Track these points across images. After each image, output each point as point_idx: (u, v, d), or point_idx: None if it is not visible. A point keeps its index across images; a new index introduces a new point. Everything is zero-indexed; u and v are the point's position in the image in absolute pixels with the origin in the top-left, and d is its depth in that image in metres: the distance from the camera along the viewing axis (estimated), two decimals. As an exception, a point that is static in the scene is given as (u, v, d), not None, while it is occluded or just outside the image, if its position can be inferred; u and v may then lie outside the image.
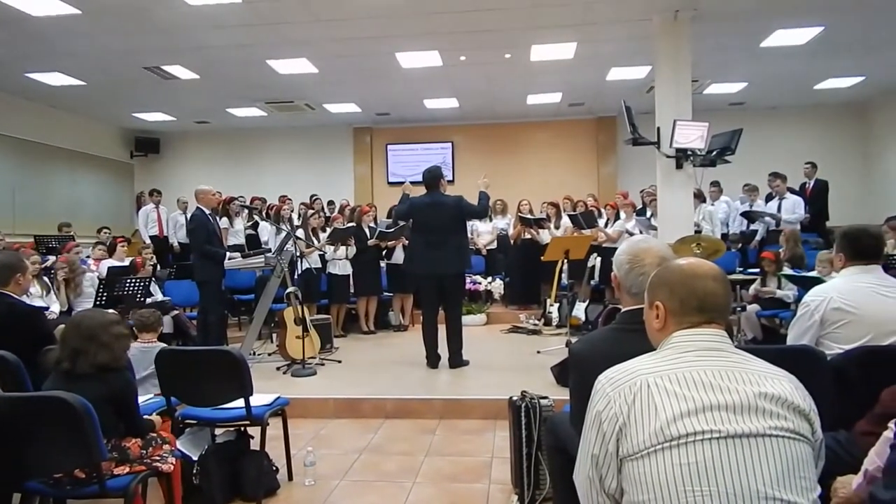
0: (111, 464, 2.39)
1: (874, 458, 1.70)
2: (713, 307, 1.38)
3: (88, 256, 6.96)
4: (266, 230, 8.34)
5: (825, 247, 6.96)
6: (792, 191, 8.76)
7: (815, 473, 1.28)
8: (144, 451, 2.51)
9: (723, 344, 1.36)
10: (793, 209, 8.35)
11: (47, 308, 5.43)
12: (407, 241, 7.53)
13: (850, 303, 2.57)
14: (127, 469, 2.42)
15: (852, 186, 10.75)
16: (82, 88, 9.15)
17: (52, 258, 6.86)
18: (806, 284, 4.30)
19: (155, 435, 2.62)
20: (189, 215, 7.74)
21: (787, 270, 6.00)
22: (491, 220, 9.49)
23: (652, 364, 1.33)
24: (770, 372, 1.32)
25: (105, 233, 8.70)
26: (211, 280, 5.90)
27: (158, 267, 8.10)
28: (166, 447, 2.61)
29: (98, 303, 5.61)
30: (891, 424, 1.68)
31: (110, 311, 5.61)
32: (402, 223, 7.29)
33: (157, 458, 2.53)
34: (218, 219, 7.49)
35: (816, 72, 9.30)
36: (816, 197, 9.02)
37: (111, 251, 6.97)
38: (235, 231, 8.26)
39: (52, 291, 5.75)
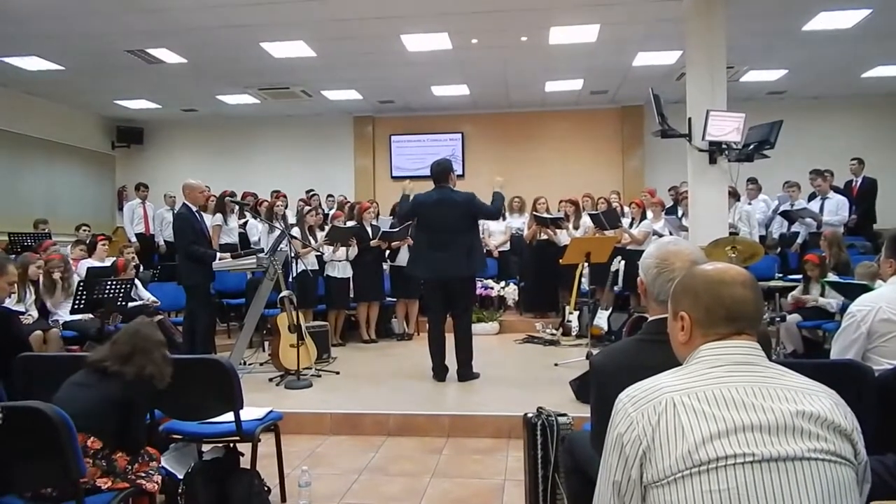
0: (97, 470, 2.46)
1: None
2: (743, 316, 1.38)
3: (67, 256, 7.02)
4: (256, 228, 8.37)
5: (873, 251, 6.92)
6: (836, 189, 8.71)
7: (858, 499, 1.28)
8: (130, 467, 2.57)
9: (755, 357, 1.35)
10: (836, 210, 8.30)
11: (24, 312, 5.49)
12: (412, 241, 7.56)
13: (900, 314, 2.56)
14: (109, 483, 2.47)
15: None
16: (60, 74, 9.23)
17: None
18: (851, 292, 4.27)
19: (143, 451, 2.68)
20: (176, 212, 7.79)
21: (832, 277, 5.96)
22: (505, 218, 9.48)
23: (678, 381, 1.33)
24: (808, 388, 1.31)
25: (84, 230, 8.78)
26: (198, 283, 5.93)
27: (141, 268, 8.16)
28: (153, 464, 2.67)
29: (77, 306, 5.65)
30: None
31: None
32: (407, 222, 7.29)
33: (143, 474, 2.59)
34: (212, 215, 7.54)
35: (864, 58, 9.24)
36: (863, 196, 8.96)
37: (91, 250, 7.02)
38: (229, 229, 8.29)
39: (28, 295, 5.80)
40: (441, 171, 5.62)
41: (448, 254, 5.43)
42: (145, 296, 6.65)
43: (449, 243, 5.45)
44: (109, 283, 5.86)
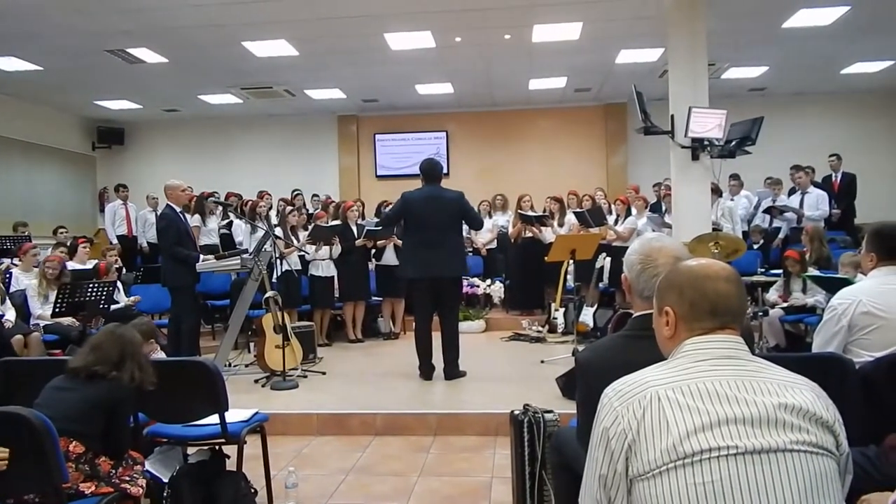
0: (80, 475, 2.43)
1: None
2: (726, 310, 1.40)
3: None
4: (241, 229, 8.32)
5: (853, 245, 7.01)
6: (816, 185, 8.81)
7: (840, 490, 1.30)
8: (114, 471, 2.54)
9: (739, 351, 1.37)
10: (816, 205, 8.40)
11: (2, 315, 5.42)
12: (398, 241, 7.53)
13: (880, 306, 2.59)
14: (93, 487, 2.45)
15: (882, 180, 10.82)
16: (39, 74, 9.11)
17: (6, 261, 6.85)
18: (833, 286, 4.32)
19: (126, 455, 2.66)
20: (159, 213, 7.73)
21: (812, 271, 6.03)
22: (490, 216, 9.49)
23: (663, 375, 1.35)
24: (790, 380, 1.33)
25: (62, 232, 8.68)
26: (184, 285, 5.89)
27: (124, 270, 8.08)
28: (137, 468, 2.65)
29: (57, 309, 5.59)
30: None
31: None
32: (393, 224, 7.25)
33: (127, 478, 2.56)
34: (189, 216, 7.49)
35: (843, 55, 9.36)
36: (844, 192, 9.08)
37: (72, 252, 6.94)
38: (208, 230, 8.23)
39: (6, 299, 5.74)
40: (432, 169, 5.62)
41: (440, 253, 5.42)
42: (124, 298, 6.58)
43: (440, 242, 5.43)
44: (91, 286, 5.80)
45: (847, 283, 3.79)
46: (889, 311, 2.58)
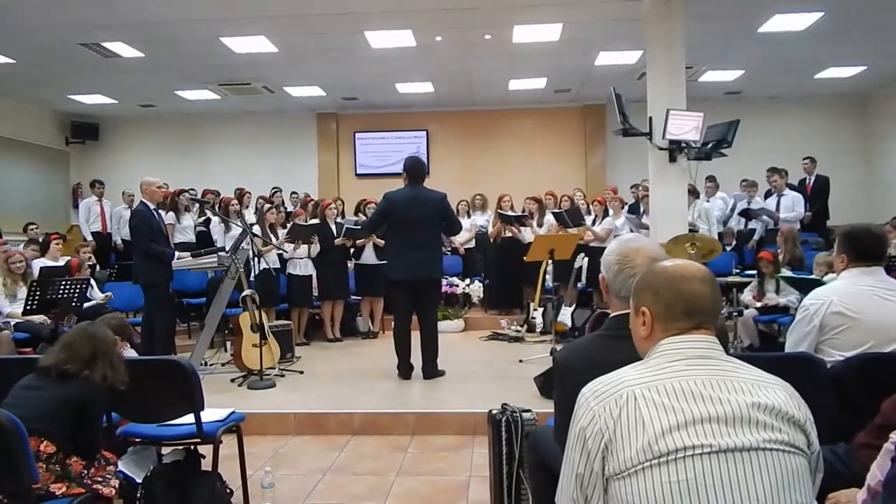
0: (50, 476, 2.39)
1: (876, 472, 1.75)
2: (701, 311, 1.41)
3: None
4: (218, 227, 8.23)
5: (825, 247, 7.14)
6: (792, 187, 8.96)
7: (811, 488, 1.32)
8: (86, 472, 2.50)
9: (713, 351, 1.39)
10: (792, 207, 8.55)
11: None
12: (379, 240, 7.50)
13: (850, 307, 2.64)
14: (64, 488, 2.41)
15: (854, 183, 11.04)
16: (11, 67, 8.94)
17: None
18: (805, 287, 4.40)
19: (99, 455, 2.62)
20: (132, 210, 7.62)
21: (786, 272, 6.13)
22: (469, 216, 9.51)
23: (639, 374, 1.36)
24: (763, 380, 1.35)
25: (32, 229, 8.51)
26: (157, 283, 5.81)
27: (98, 267, 7.95)
28: (110, 468, 2.62)
29: (29, 307, 5.49)
30: (892, 436, 1.74)
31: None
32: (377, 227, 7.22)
33: (99, 478, 2.53)
34: (164, 213, 7.40)
35: (817, 60, 9.53)
36: (817, 194, 9.24)
37: (44, 249, 6.82)
38: (183, 227, 8.14)
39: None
40: (418, 170, 5.61)
41: (422, 255, 5.41)
42: (98, 295, 6.48)
43: (424, 243, 5.43)
44: (63, 283, 5.70)
45: (819, 283, 3.87)
46: (859, 312, 2.63)
